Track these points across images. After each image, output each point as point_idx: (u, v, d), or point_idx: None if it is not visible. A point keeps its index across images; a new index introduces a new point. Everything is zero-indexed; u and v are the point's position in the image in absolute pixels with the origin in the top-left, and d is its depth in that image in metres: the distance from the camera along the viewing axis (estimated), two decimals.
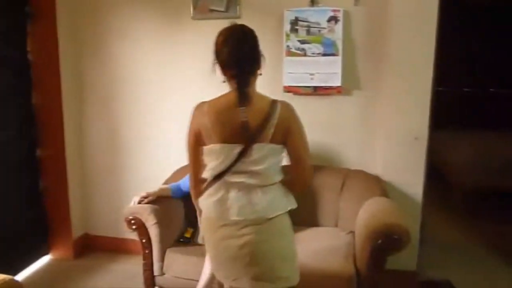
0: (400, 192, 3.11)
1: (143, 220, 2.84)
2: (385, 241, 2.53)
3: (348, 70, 3.16)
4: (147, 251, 2.85)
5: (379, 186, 3.09)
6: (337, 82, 3.18)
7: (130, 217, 2.86)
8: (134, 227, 2.85)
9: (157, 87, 3.49)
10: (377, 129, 3.21)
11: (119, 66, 3.56)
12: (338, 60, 3.15)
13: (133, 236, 2.96)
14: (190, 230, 3.07)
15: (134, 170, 3.68)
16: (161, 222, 2.86)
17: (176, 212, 3.11)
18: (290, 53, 3.19)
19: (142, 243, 2.87)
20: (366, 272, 2.58)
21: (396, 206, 2.88)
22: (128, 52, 3.52)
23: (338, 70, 3.15)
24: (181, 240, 2.99)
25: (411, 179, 3.13)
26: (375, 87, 3.18)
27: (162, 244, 2.85)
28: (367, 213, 2.80)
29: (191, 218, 2.98)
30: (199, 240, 2.76)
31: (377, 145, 3.22)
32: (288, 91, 3.21)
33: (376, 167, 3.21)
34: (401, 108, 3.05)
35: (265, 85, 3.16)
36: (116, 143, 3.68)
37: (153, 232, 2.86)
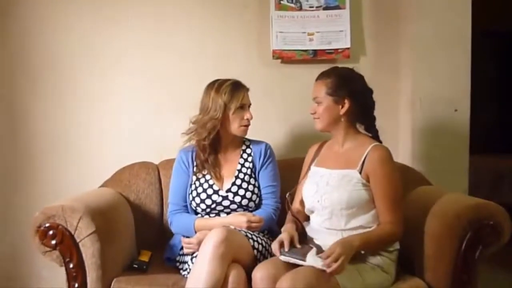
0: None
1: (70, 227, 1.69)
2: (476, 233, 1.70)
3: (359, 27, 2.54)
4: (76, 285, 1.65)
5: (415, 175, 2.26)
6: (344, 44, 2.51)
7: (47, 224, 1.67)
8: (53, 242, 1.68)
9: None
10: (400, 103, 2.53)
11: None
12: (344, 14, 2.51)
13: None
14: (147, 252, 1.99)
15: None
16: (103, 233, 1.74)
17: (125, 223, 2.01)
18: (280, 7, 2.50)
19: (69, 270, 1.70)
20: None
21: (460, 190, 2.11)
22: None
23: (346, 27, 2.51)
24: (135, 265, 1.89)
25: (450, 167, 2.37)
26: (395, 47, 2.53)
27: (105, 271, 1.73)
28: (420, 208, 1.90)
29: (144, 236, 2.12)
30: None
31: (401, 124, 2.52)
32: (279, 58, 2.50)
33: (399, 153, 2.48)
34: (432, 69, 2.39)
35: (248, 49, 2.41)
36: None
37: (90, 248, 1.71)
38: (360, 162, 1.78)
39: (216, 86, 1.99)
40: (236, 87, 1.99)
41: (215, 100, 1.96)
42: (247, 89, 2.03)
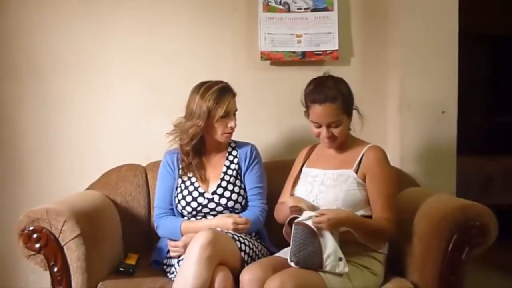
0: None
1: (55, 230, 1.67)
2: (463, 234, 1.71)
3: (347, 29, 2.54)
4: None
5: (404, 176, 2.27)
6: (332, 45, 2.51)
7: (31, 228, 1.66)
8: (37, 245, 1.66)
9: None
10: (388, 105, 2.53)
11: None
12: (333, 16, 2.51)
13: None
14: (134, 255, 1.97)
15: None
16: (88, 236, 1.73)
17: (111, 226, 1.99)
18: (268, 8, 2.50)
19: (53, 274, 1.67)
20: None
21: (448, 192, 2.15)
22: None
23: (334, 29, 2.51)
24: (121, 269, 1.87)
25: (438, 169, 2.37)
26: (383, 49, 2.53)
27: (91, 274, 1.72)
28: (408, 209, 1.90)
29: (132, 239, 2.09)
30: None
31: (390, 126, 2.52)
32: (267, 59, 2.50)
33: (388, 155, 2.37)
34: (420, 71, 2.39)
35: (237, 51, 2.40)
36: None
37: (75, 252, 1.70)
38: (356, 162, 1.80)
39: (202, 90, 1.95)
40: (222, 93, 1.94)
41: (199, 105, 1.92)
42: (234, 95, 1.99)
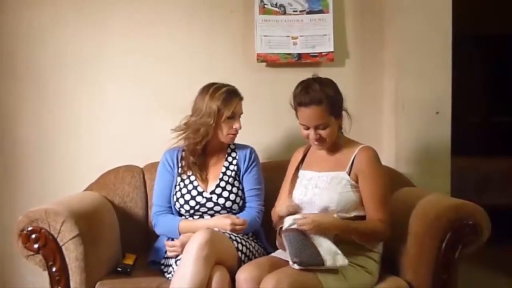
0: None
1: (53, 230, 1.70)
2: (456, 232, 1.73)
3: (342, 31, 2.56)
4: None
5: (398, 177, 2.29)
6: (327, 47, 2.53)
7: (30, 228, 1.68)
8: (36, 245, 1.68)
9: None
10: (384, 105, 2.55)
11: None
12: (328, 18, 2.53)
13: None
14: (132, 255, 1.99)
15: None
16: (87, 237, 1.75)
17: (109, 227, 2.01)
18: (264, 11, 2.52)
19: (52, 274, 1.70)
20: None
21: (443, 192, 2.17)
22: None
23: (329, 31, 2.53)
24: (119, 269, 1.89)
25: (433, 169, 2.38)
26: (378, 50, 2.55)
27: (89, 274, 1.74)
28: (403, 209, 1.92)
29: (129, 239, 2.12)
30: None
31: (385, 126, 2.54)
32: (263, 61, 2.52)
33: (383, 155, 2.41)
34: (414, 72, 2.42)
35: (233, 53, 2.42)
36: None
37: (73, 252, 1.72)
38: (349, 164, 1.81)
39: (211, 91, 1.99)
40: (230, 95, 1.99)
41: (208, 105, 1.96)
42: (241, 98, 2.03)
